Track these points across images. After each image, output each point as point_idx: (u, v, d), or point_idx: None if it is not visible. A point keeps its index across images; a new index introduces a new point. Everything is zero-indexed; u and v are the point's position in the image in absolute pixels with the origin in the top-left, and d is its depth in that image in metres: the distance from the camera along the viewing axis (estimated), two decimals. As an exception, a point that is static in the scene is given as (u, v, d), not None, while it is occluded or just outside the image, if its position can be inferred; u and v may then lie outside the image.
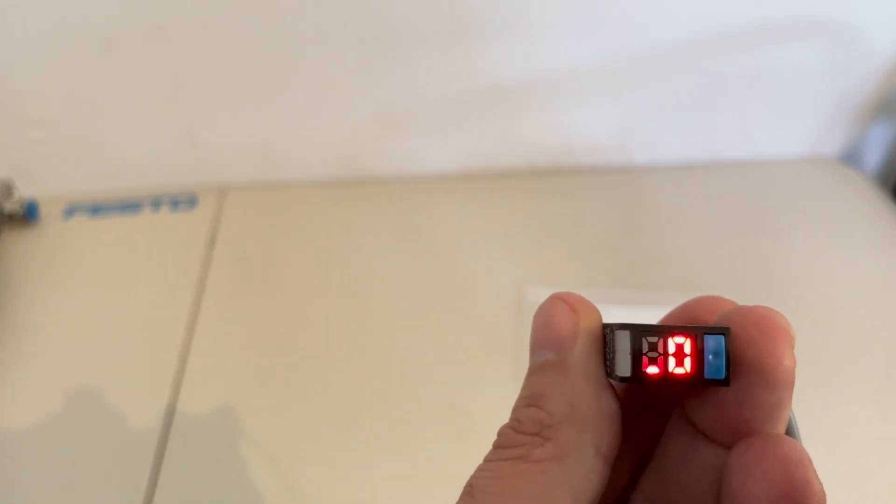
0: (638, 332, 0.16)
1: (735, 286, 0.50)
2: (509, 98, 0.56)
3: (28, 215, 0.57)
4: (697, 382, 0.16)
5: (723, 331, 0.16)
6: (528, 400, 0.17)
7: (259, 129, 0.58)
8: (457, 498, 0.16)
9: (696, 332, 0.16)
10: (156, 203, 0.59)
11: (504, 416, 0.50)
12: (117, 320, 0.51)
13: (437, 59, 0.54)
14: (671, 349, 0.16)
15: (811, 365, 0.34)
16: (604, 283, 0.52)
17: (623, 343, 0.16)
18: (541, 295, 0.51)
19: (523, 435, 0.17)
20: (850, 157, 0.63)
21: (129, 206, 0.59)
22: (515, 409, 0.18)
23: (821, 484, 0.14)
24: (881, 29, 0.55)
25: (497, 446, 0.17)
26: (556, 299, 0.18)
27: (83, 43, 0.51)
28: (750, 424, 0.16)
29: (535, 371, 0.18)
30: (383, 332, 0.50)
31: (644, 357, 0.16)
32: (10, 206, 0.56)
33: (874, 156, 0.64)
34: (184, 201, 0.59)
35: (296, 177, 0.61)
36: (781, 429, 0.16)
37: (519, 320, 0.50)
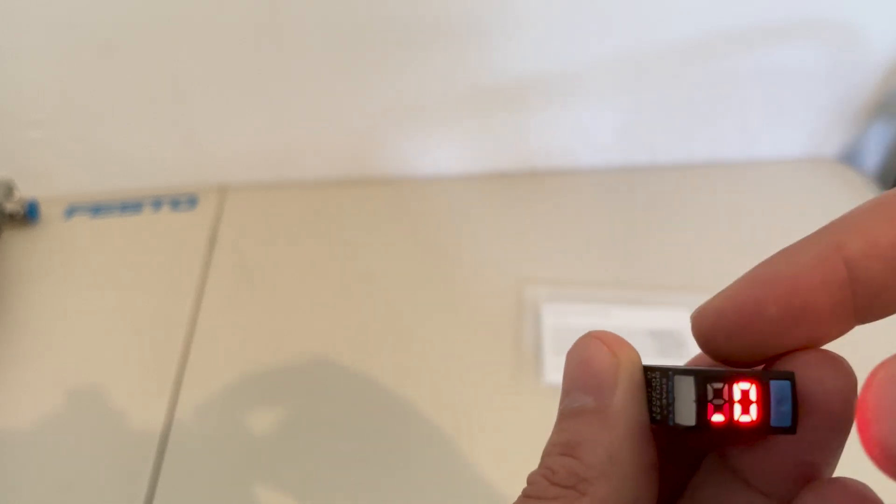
0: (702, 378, 0.15)
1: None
2: (510, 98, 0.56)
3: (29, 215, 0.57)
4: (764, 430, 0.15)
5: (788, 376, 0.15)
6: (563, 448, 0.16)
7: (259, 129, 0.58)
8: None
9: (762, 377, 0.15)
10: (156, 203, 0.59)
11: (503, 417, 0.50)
12: (118, 320, 0.51)
13: (438, 59, 0.54)
14: (737, 396, 0.15)
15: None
16: (604, 283, 0.52)
17: (686, 390, 0.15)
18: (541, 295, 0.51)
19: (557, 487, 0.15)
20: (850, 157, 0.63)
21: (129, 206, 0.59)
22: (548, 454, 0.16)
23: None
24: (880, 29, 0.55)
25: (528, 495, 0.16)
26: (593, 338, 0.17)
27: (84, 43, 0.51)
28: (810, 469, 0.15)
29: (569, 416, 0.16)
30: (383, 331, 0.50)
31: (709, 404, 0.15)
32: (10, 206, 0.56)
33: (874, 156, 0.64)
34: (184, 201, 0.59)
35: (296, 177, 0.61)
36: (833, 471, 0.15)
37: (519, 320, 0.50)
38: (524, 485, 0.16)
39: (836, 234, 0.15)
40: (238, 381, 0.47)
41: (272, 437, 0.45)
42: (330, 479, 0.43)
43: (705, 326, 0.16)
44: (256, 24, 0.51)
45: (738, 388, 0.15)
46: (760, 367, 0.16)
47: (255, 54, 0.53)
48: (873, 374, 0.13)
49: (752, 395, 0.15)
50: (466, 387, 0.47)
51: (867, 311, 0.15)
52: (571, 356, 0.17)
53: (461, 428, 0.44)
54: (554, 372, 0.47)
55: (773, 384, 0.15)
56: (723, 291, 0.16)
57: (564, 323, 0.49)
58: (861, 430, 0.13)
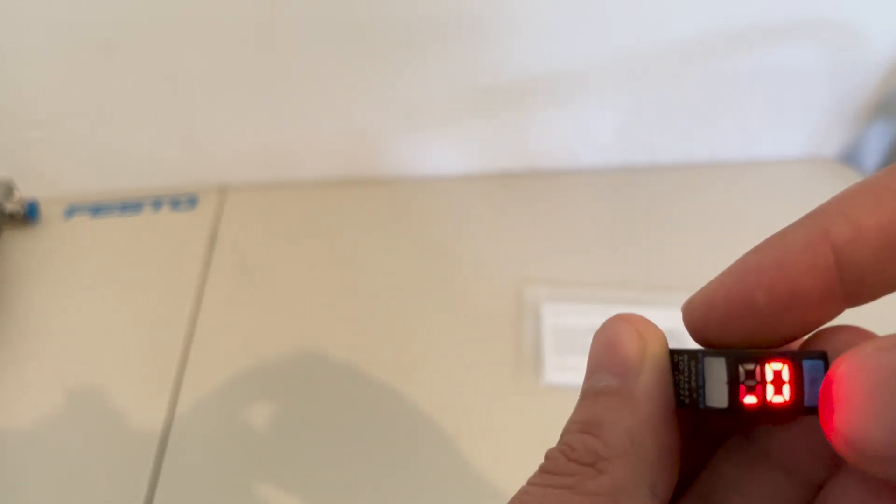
0: (734, 359, 0.15)
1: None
2: (510, 98, 0.56)
3: (29, 215, 0.57)
4: (797, 411, 0.15)
5: (821, 355, 0.15)
6: (584, 426, 0.16)
7: (259, 129, 0.58)
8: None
9: (794, 357, 0.15)
10: (156, 203, 0.59)
11: (503, 417, 0.50)
12: (118, 320, 0.51)
13: (438, 59, 0.54)
14: (769, 376, 0.15)
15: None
16: (604, 283, 0.52)
17: (717, 372, 0.15)
18: (541, 295, 0.51)
19: (575, 464, 0.15)
20: (850, 157, 0.63)
21: (129, 206, 0.59)
22: (567, 432, 0.16)
23: None
24: (880, 29, 0.55)
25: (545, 470, 0.16)
26: (621, 320, 0.17)
27: (84, 43, 0.51)
28: None
29: (592, 395, 0.16)
30: (383, 331, 0.50)
31: (741, 386, 0.15)
32: (11, 207, 0.56)
33: (874, 156, 0.64)
34: (184, 201, 0.59)
35: (296, 177, 0.61)
36: None
37: (519, 320, 0.50)
38: (524, 484, 0.16)
39: (821, 220, 0.15)
40: (238, 380, 0.47)
41: (272, 437, 0.45)
42: (330, 479, 0.43)
43: (695, 317, 0.16)
44: (256, 24, 0.51)
45: (770, 369, 0.15)
46: (795, 346, 0.16)
47: (255, 54, 0.53)
48: (836, 366, 0.13)
49: (785, 376, 0.15)
50: (466, 387, 0.47)
51: (855, 294, 0.15)
52: (598, 337, 0.17)
53: (461, 428, 0.45)
54: (554, 372, 0.47)
55: (806, 364, 0.15)
56: (712, 281, 0.16)
57: (564, 323, 0.49)
58: (823, 419, 0.13)
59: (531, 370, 0.47)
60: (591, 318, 0.49)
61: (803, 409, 0.15)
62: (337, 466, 0.43)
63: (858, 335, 0.15)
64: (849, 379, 0.13)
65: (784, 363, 0.15)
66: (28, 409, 0.46)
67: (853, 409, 0.12)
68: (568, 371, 0.47)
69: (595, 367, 0.17)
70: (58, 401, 0.47)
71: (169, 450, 0.44)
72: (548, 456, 0.16)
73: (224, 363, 0.48)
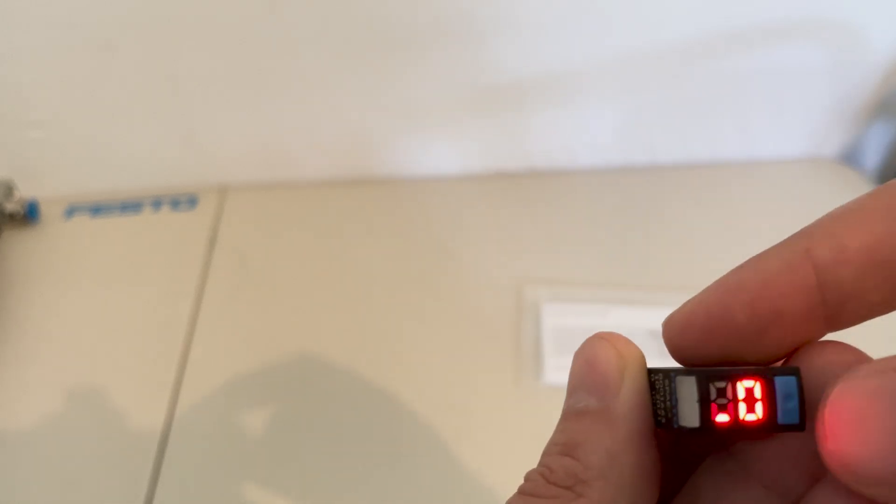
0: (704, 377, 0.15)
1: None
2: (510, 98, 0.56)
3: (29, 215, 0.57)
4: (771, 428, 0.15)
5: (793, 371, 0.15)
6: (563, 447, 0.16)
7: (259, 129, 0.58)
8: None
9: (766, 373, 0.15)
10: (156, 203, 0.59)
11: (503, 417, 0.50)
12: (118, 320, 0.51)
13: (438, 59, 0.54)
14: (741, 394, 0.15)
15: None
16: (604, 283, 0.52)
17: (688, 390, 0.15)
18: (541, 295, 0.51)
19: (554, 486, 0.15)
20: (850, 157, 0.63)
21: (129, 206, 0.59)
22: (547, 454, 0.16)
23: None
24: (880, 29, 0.55)
25: (524, 492, 0.16)
26: (600, 339, 0.16)
27: (84, 43, 0.51)
28: (821, 463, 0.15)
29: (571, 416, 0.16)
30: (383, 331, 0.50)
31: (713, 404, 0.15)
32: (10, 207, 0.56)
33: (874, 156, 0.64)
34: (184, 201, 0.59)
35: (296, 177, 0.61)
36: None
37: (519, 320, 0.50)
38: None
39: (805, 241, 0.15)
40: (238, 381, 0.47)
41: (272, 437, 0.45)
42: (329, 480, 0.43)
43: (674, 333, 0.16)
44: (256, 25, 0.51)
45: (741, 387, 0.15)
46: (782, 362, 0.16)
47: (255, 54, 0.53)
48: (832, 388, 0.13)
49: (757, 393, 0.15)
50: (466, 387, 0.47)
51: (837, 317, 0.15)
52: (578, 356, 0.17)
53: (461, 428, 0.45)
54: (554, 372, 0.47)
55: (778, 380, 0.15)
56: (692, 299, 0.16)
57: (564, 323, 0.49)
58: (821, 443, 0.13)
59: (531, 370, 0.47)
60: (591, 318, 0.49)
61: (777, 427, 0.15)
62: (336, 466, 0.43)
63: (843, 351, 0.15)
64: (843, 401, 0.13)
65: (756, 380, 0.15)
66: (28, 409, 0.46)
67: (847, 431, 0.12)
68: (568, 371, 0.47)
69: (574, 386, 0.16)
70: (58, 401, 0.47)
71: (169, 450, 0.44)
72: (527, 477, 0.16)
73: (224, 363, 0.48)
